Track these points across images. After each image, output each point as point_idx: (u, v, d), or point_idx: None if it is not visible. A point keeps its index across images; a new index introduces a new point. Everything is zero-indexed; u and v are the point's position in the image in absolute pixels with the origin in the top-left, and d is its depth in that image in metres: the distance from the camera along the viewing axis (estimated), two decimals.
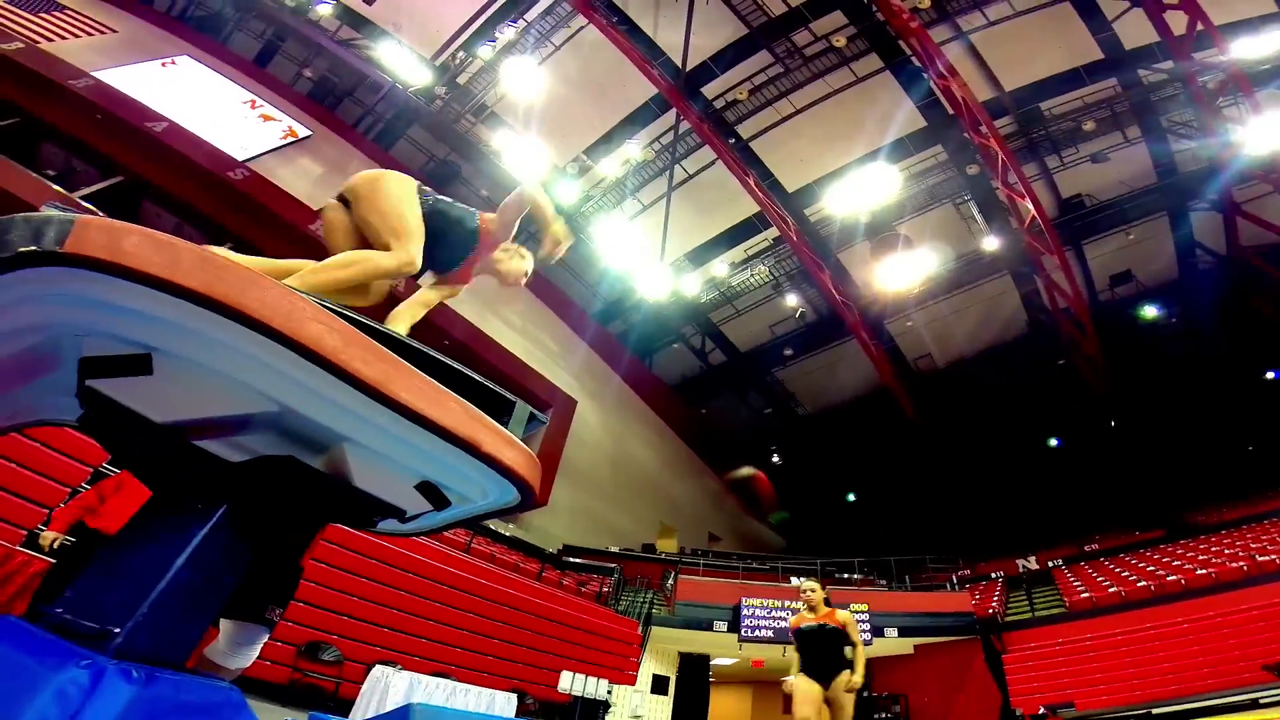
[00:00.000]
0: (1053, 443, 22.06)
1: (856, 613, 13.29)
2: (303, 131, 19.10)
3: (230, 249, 1.88)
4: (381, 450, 1.44)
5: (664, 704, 13.25)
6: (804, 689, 4.44)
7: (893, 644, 13.58)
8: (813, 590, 4.88)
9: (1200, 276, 17.72)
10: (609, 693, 10.58)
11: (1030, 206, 15.02)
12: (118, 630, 1.23)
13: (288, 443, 1.46)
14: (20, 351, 1.36)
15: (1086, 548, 18.18)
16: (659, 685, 13.24)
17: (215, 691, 1.37)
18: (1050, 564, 17.71)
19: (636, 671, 12.43)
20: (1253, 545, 13.02)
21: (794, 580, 16.62)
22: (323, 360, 1.17)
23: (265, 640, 2.12)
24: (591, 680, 10.26)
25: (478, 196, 21.16)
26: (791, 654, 4.73)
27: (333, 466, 1.50)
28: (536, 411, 1.56)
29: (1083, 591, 14.09)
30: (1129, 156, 16.08)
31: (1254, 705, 7.79)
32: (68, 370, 1.39)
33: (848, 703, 4.39)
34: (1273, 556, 11.79)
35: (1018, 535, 19.91)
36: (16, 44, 14.97)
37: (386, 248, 2.00)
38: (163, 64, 17.82)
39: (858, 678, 4.50)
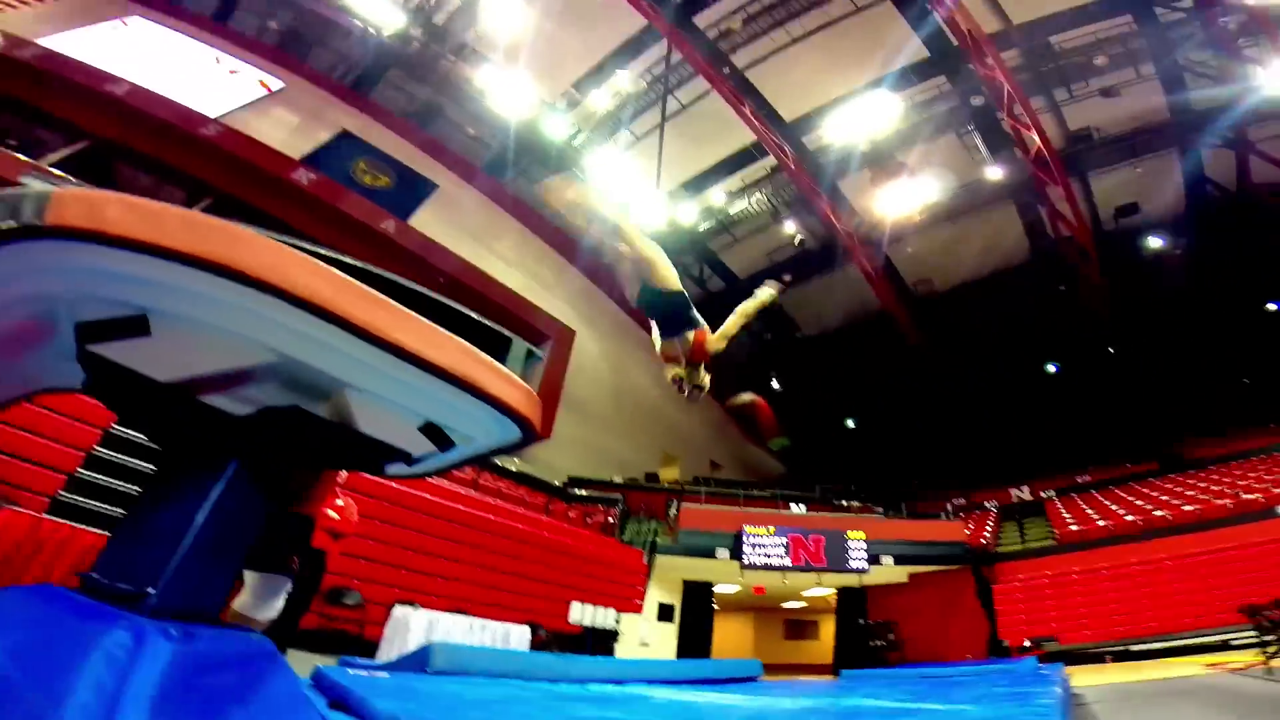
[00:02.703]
0: (1051, 368, 22.24)
1: (854, 541, 13.64)
2: (275, 84, 18.38)
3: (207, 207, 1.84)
4: (383, 394, 1.46)
5: (670, 631, 13.66)
6: None
7: (888, 572, 13.87)
8: None
9: (1207, 211, 17.57)
10: (617, 622, 10.95)
11: (1036, 138, 14.85)
12: (151, 590, 1.28)
13: (291, 392, 1.47)
14: (18, 323, 1.37)
15: (1080, 479, 18.25)
16: (665, 613, 13.63)
17: (248, 643, 1.45)
18: (1043, 495, 17.78)
19: (643, 600, 12.77)
20: (1240, 482, 13.13)
21: (793, 507, 17.03)
22: (316, 308, 1.18)
23: (288, 589, 2.20)
24: (600, 610, 10.60)
25: (464, 135, 20.61)
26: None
27: (337, 413, 1.53)
28: (534, 348, 1.57)
29: (1072, 524, 14.26)
30: (1142, 92, 15.59)
31: (1225, 646, 8.11)
32: (66, 337, 1.40)
33: None
34: (1258, 495, 11.90)
35: (1013, 464, 20.21)
36: None
37: None
38: (113, 26, 16.99)
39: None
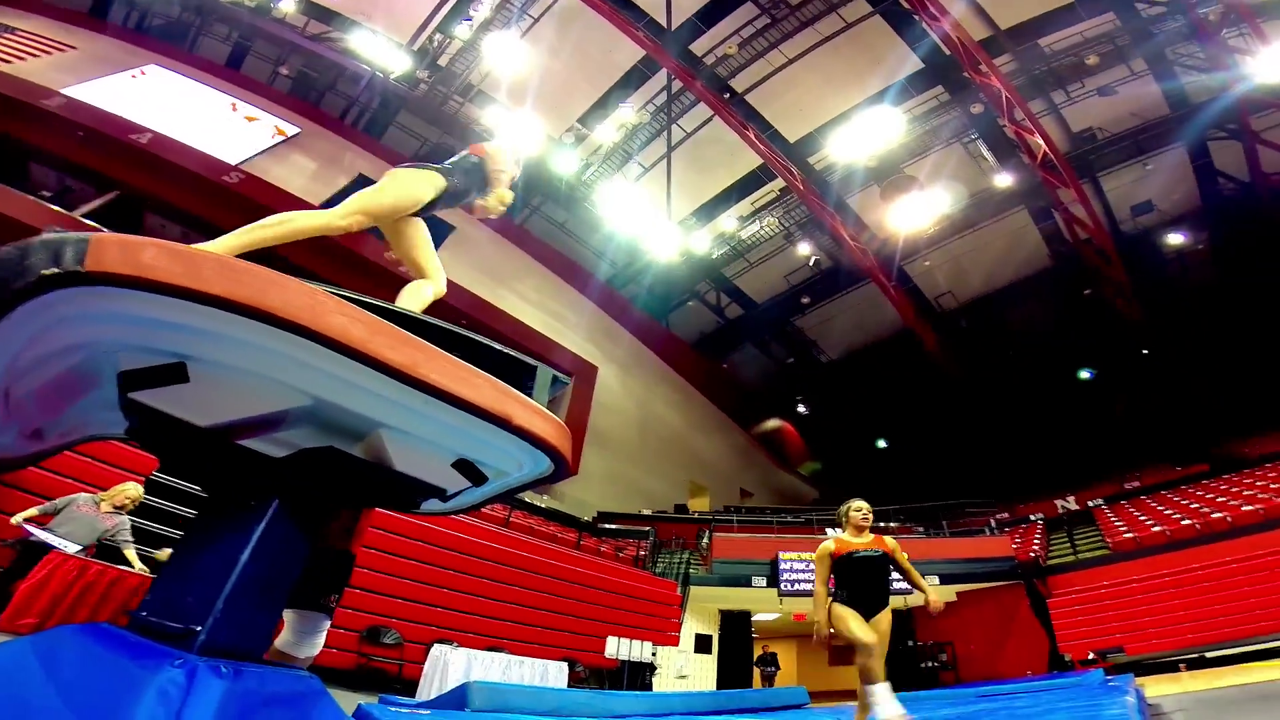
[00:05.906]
0: (1084, 375, 21.68)
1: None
2: (291, 129, 18.91)
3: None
4: (416, 432, 1.47)
5: (709, 662, 13.40)
6: (858, 618, 4.00)
7: (933, 592, 13.70)
8: (865, 511, 4.31)
9: (1224, 203, 17.36)
10: (653, 655, 10.77)
11: (1040, 142, 14.85)
12: (199, 628, 1.29)
13: (326, 434, 1.50)
14: (60, 374, 1.39)
15: (1127, 485, 17.69)
16: (702, 644, 13.42)
17: (298, 681, 1.44)
18: (1090, 504, 17.31)
19: (679, 632, 12.61)
20: None
21: (829, 532, 16.73)
22: (350, 350, 1.20)
23: (327, 627, 2.19)
24: (636, 644, 10.45)
25: None
26: (818, 587, 4.16)
27: (372, 452, 1.55)
28: (559, 373, 1.58)
29: (1126, 531, 13.76)
30: (1138, 89, 15.69)
31: None
32: (109, 386, 1.43)
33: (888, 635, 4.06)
34: None
35: (1055, 475, 19.59)
36: None
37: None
38: (132, 75, 17.42)
39: (935, 595, 4.22)
